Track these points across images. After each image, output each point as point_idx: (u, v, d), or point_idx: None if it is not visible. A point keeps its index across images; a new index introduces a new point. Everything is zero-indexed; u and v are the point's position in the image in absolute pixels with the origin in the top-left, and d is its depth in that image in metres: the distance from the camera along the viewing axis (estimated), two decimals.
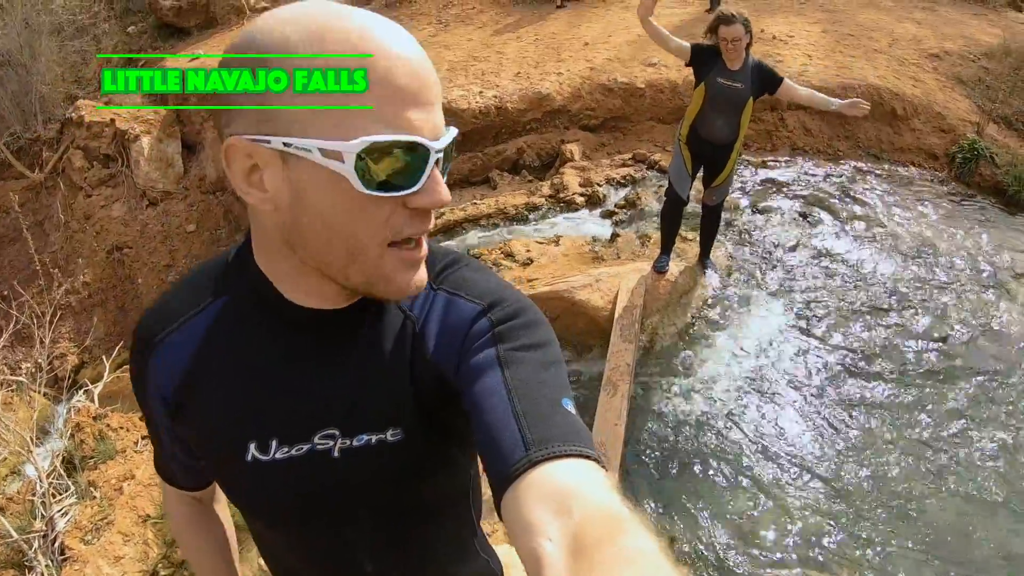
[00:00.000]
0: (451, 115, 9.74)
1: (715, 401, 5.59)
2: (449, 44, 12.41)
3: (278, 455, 1.15)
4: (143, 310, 1.25)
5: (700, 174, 6.18)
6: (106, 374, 6.66)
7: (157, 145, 13.58)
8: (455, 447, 1.26)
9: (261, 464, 1.15)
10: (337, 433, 1.14)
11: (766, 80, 5.56)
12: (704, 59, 5.61)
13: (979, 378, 5.86)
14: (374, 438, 1.15)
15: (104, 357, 10.87)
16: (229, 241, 13.16)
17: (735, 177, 6.41)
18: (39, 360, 6.28)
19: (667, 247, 6.56)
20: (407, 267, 1.03)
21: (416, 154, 0.93)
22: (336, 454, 1.15)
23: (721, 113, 5.70)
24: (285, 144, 0.91)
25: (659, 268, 6.50)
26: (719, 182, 6.10)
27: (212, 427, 1.18)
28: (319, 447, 1.15)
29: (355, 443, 1.15)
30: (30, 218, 13.43)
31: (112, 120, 13.51)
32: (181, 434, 1.25)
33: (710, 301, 6.42)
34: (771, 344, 6.12)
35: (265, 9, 16.53)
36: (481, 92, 10.08)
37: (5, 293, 7.48)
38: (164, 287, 12.50)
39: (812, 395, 5.67)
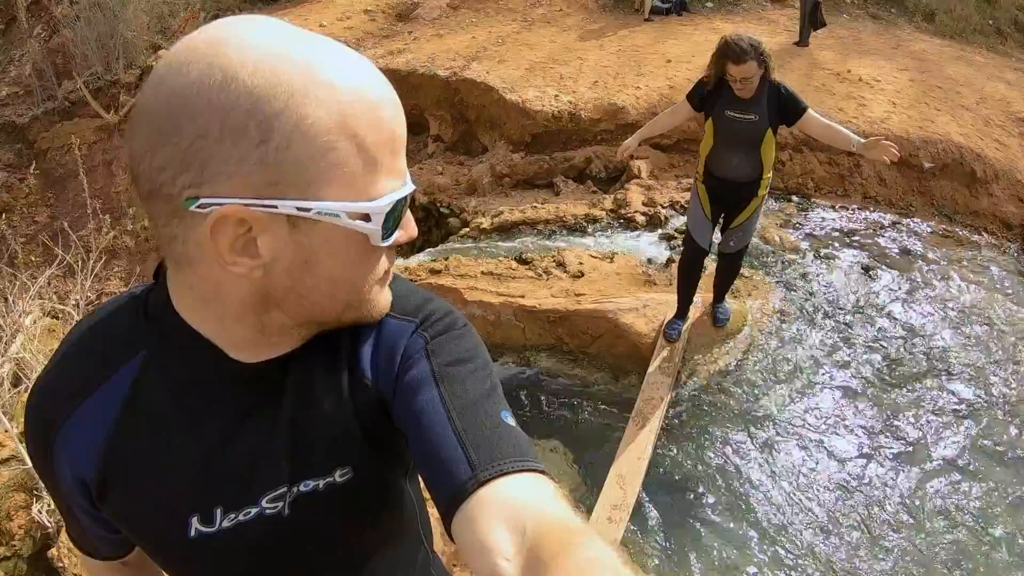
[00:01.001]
0: (524, 115, 9.56)
1: (747, 451, 5.30)
2: (532, 43, 12.21)
3: (224, 523, 1.04)
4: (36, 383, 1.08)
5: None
6: None
7: None
8: (405, 474, 1.21)
9: (206, 536, 1.04)
10: (285, 490, 1.05)
11: (785, 109, 4.79)
12: (707, 95, 4.93)
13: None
14: (322, 483, 1.06)
15: None
16: None
17: (757, 222, 5.50)
18: (87, 294, 6.28)
19: (682, 309, 5.85)
20: (383, 288, 1.03)
21: (406, 197, 0.95)
22: (286, 511, 1.06)
23: (735, 149, 5.00)
24: (301, 209, 0.85)
25: (670, 336, 5.78)
26: (737, 224, 5.32)
27: (146, 506, 1.03)
28: (268, 510, 1.05)
29: (303, 491, 1.06)
30: (99, 157, 13.63)
31: None
32: (105, 514, 1.08)
33: (757, 345, 6.12)
34: (812, 401, 5.80)
35: None
36: (557, 96, 9.86)
37: (63, 227, 7.49)
38: None
39: (847, 461, 5.36)
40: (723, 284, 5.98)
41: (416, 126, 11.76)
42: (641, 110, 9.67)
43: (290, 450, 1.04)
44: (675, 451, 5.25)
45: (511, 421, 0.99)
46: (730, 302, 6.21)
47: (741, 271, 6.39)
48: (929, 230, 8.90)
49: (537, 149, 9.52)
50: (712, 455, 5.23)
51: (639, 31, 13.30)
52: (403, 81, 11.37)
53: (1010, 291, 7.73)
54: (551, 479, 0.93)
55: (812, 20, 12.40)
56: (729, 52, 4.55)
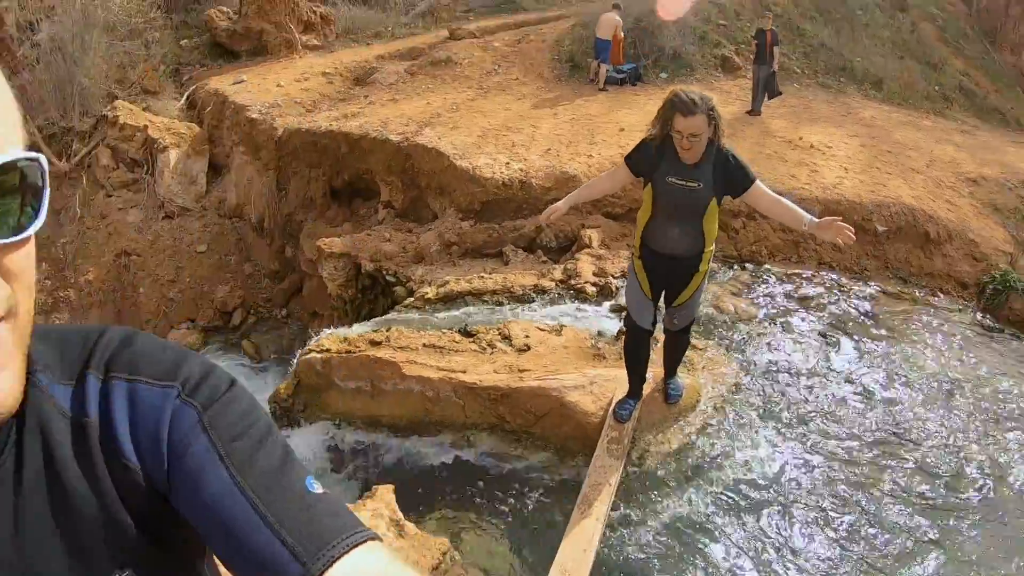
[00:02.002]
0: (474, 183, 9.21)
1: (702, 541, 4.81)
2: (486, 110, 11.97)
3: None
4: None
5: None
6: None
7: (184, 160, 13.34)
8: (202, 557, 1.01)
9: None
10: None
11: (732, 179, 4.29)
12: (649, 157, 4.39)
13: (990, 527, 5.07)
14: None
15: None
16: (237, 270, 12.72)
17: (702, 296, 5.00)
18: None
19: (633, 389, 5.32)
20: None
21: None
22: None
23: (676, 220, 4.44)
24: None
25: (620, 416, 5.22)
26: (680, 302, 4.77)
27: None
28: None
29: None
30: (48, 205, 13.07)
31: (145, 126, 13.32)
32: None
33: (712, 422, 5.68)
34: (771, 484, 5.33)
35: (316, 47, 16.56)
36: (508, 163, 9.55)
37: None
38: (164, 303, 12.11)
39: (808, 547, 4.90)
40: (673, 360, 5.51)
41: (368, 191, 11.41)
42: (592, 177, 9.37)
43: (53, 561, 0.84)
44: (624, 541, 4.76)
45: (317, 487, 0.89)
46: (683, 376, 5.77)
47: (693, 343, 6.00)
48: (885, 293, 8.62)
49: (487, 217, 9.16)
50: (663, 545, 4.73)
51: (593, 100, 13.17)
52: (355, 145, 11.06)
53: (971, 354, 7.46)
54: (380, 540, 0.87)
55: (767, 88, 12.32)
56: (677, 104, 4.10)
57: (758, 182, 4.33)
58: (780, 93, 12.67)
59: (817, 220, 4.13)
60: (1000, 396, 6.66)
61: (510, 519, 5.07)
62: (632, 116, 11.87)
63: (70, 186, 13.26)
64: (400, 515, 4.45)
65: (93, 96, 14.02)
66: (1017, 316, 8.82)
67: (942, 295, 9.09)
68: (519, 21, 17.38)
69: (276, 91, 13.96)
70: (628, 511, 4.90)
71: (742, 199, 4.40)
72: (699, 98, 4.10)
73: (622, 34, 13.97)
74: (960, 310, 8.76)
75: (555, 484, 5.28)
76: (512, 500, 5.20)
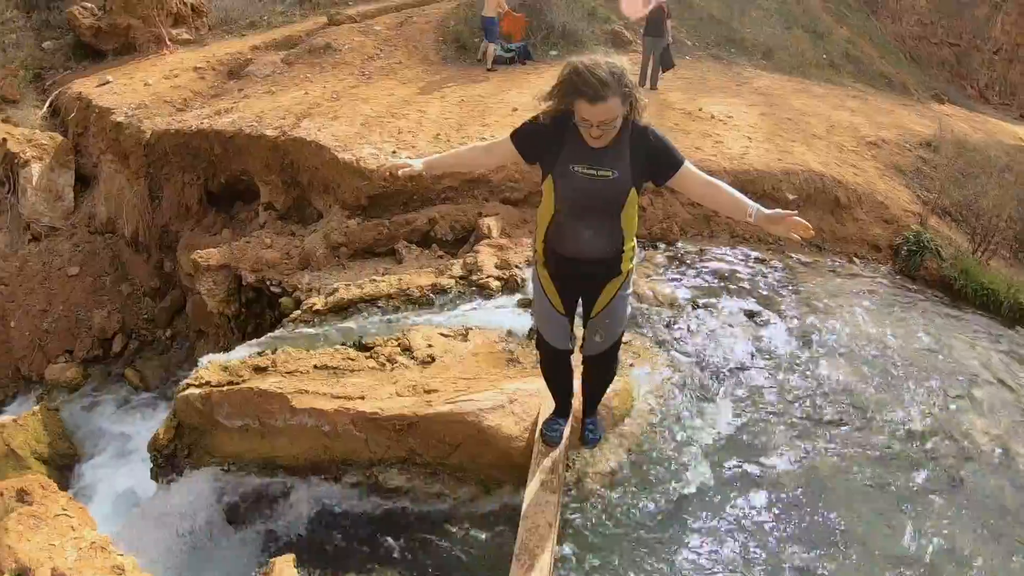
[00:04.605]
0: (359, 176, 8.21)
1: (661, 568, 4.04)
2: (367, 97, 10.95)
3: None
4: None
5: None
6: None
7: (48, 174, 11.83)
8: None
9: None
10: None
11: (655, 161, 3.33)
12: (545, 139, 3.39)
13: (937, 497, 4.77)
14: None
15: None
16: (113, 291, 11.36)
17: (628, 304, 3.86)
18: None
19: (560, 407, 4.40)
20: None
21: None
22: None
23: (586, 218, 3.47)
24: None
25: (549, 439, 4.30)
26: (599, 310, 3.75)
27: None
28: None
29: None
30: None
31: (4, 140, 11.83)
32: None
33: (652, 429, 4.89)
34: (725, 485, 4.62)
35: (188, 41, 15.21)
36: (394, 152, 8.57)
37: None
38: (38, 335, 10.71)
39: (774, 549, 4.19)
40: (594, 393, 4.48)
41: (248, 193, 10.25)
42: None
43: None
44: None
45: None
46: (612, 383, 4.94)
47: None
48: (802, 264, 8.10)
49: (375, 213, 8.14)
50: None
51: (482, 81, 12.33)
52: (228, 144, 9.90)
53: (897, 315, 7.25)
54: None
55: (662, 62, 11.75)
56: (581, 86, 3.05)
57: (687, 163, 3.36)
58: (674, 65, 12.11)
59: (766, 211, 3.23)
60: (929, 357, 6.47)
61: (440, 574, 4.17)
62: (524, 96, 11.05)
63: None
64: None
65: None
66: (932, 275, 8.65)
67: (858, 260, 8.69)
68: (400, 3, 16.28)
69: (143, 91, 12.56)
70: (574, 556, 4.07)
71: (668, 185, 3.39)
72: (608, 74, 3.04)
73: (506, 6, 13.14)
74: (877, 274, 8.37)
75: (485, 523, 4.40)
76: (439, 549, 4.30)
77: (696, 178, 3.36)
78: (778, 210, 3.24)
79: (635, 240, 3.65)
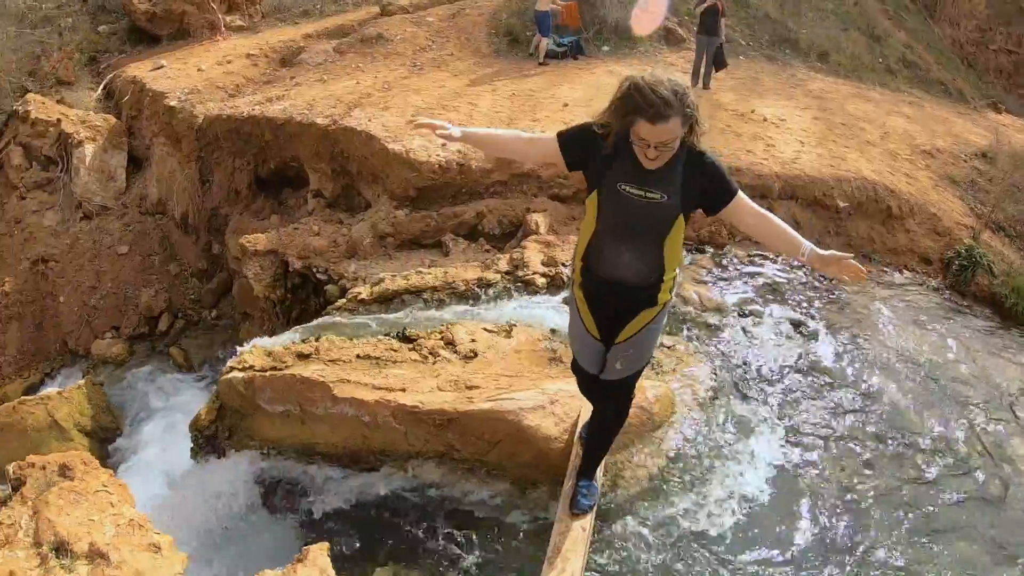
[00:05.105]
0: (408, 167, 8.22)
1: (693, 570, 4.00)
2: (418, 88, 10.94)
3: None
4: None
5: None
6: None
7: (101, 154, 12.05)
8: None
9: None
10: None
11: (709, 191, 3.11)
12: (594, 150, 3.19)
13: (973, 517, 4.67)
14: None
15: None
16: (162, 271, 11.54)
17: (657, 338, 3.63)
18: None
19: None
20: None
21: None
22: None
23: (628, 240, 3.26)
24: None
25: (578, 509, 3.94)
26: (625, 337, 3.46)
27: None
28: None
29: None
30: None
31: (59, 120, 12.05)
32: None
33: (691, 440, 4.83)
34: (759, 491, 4.57)
35: (241, 27, 15.35)
36: (444, 145, 8.55)
37: None
38: (86, 311, 10.93)
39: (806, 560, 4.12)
40: (596, 448, 4.05)
41: (297, 180, 10.33)
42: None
43: None
44: None
45: None
46: (653, 384, 4.88)
47: (662, 339, 5.12)
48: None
49: (423, 204, 8.16)
50: None
51: (534, 75, 12.22)
52: (279, 130, 9.97)
53: (945, 331, 7.10)
54: None
55: (715, 61, 11.57)
56: (643, 105, 2.84)
57: (741, 193, 3.14)
58: (727, 65, 11.93)
59: (821, 252, 3.02)
60: (978, 376, 6.34)
61: (471, 573, 4.17)
62: (576, 92, 10.97)
63: None
64: None
65: (3, 91, 12.83)
66: (983, 292, 8.39)
67: (907, 272, 8.49)
68: None
69: (197, 76, 12.71)
70: (606, 545, 4.04)
71: (720, 216, 3.19)
72: (671, 92, 2.83)
73: (560, 1, 13.09)
74: (926, 287, 8.20)
75: (518, 523, 4.39)
76: (470, 546, 4.31)
77: (749, 209, 3.13)
78: (833, 251, 3.05)
79: (678, 271, 3.42)
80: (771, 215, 3.16)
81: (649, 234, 3.21)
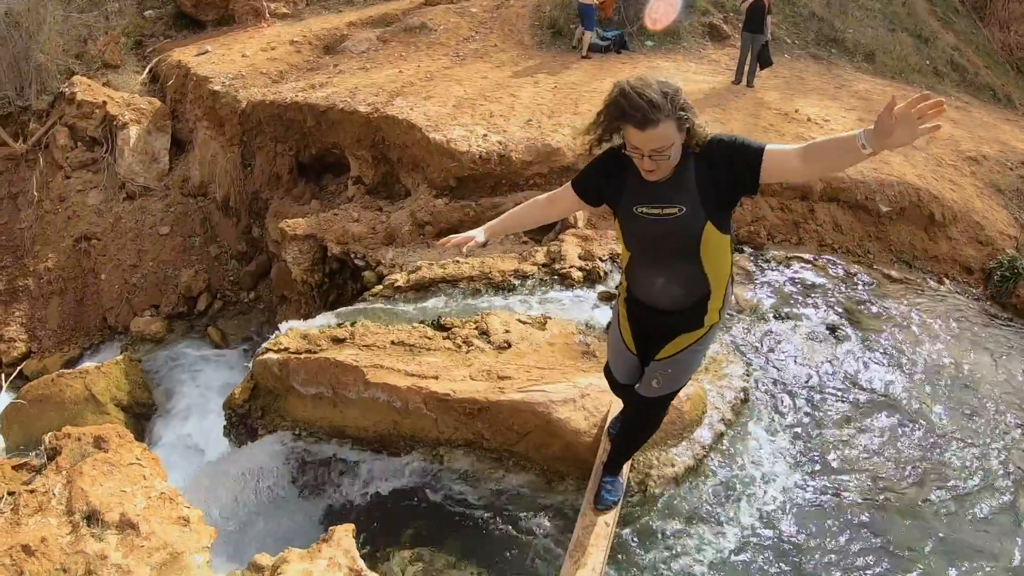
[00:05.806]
0: (449, 156, 8.22)
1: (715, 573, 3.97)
2: (461, 79, 10.93)
3: None
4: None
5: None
6: None
7: (145, 136, 12.31)
8: None
9: None
10: None
11: (735, 168, 2.75)
12: (605, 179, 3.02)
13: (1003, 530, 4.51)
14: None
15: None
16: (202, 251, 11.71)
17: (701, 361, 3.51)
18: None
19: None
20: None
21: None
22: None
23: (658, 263, 3.06)
24: None
25: (602, 504, 3.95)
26: (665, 356, 3.28)
27: None
28: None
29: None
30: (4, 189, 12.16)
31: (104, 102, 12.31)
32: None
33: (721, 441, 4.79)
34: (788, 499, 4.51)
35: (285, 15, 15.47)
36: (485, 135, 8.56)
37: None
38: (127, 289, 11.13)
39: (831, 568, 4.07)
40: (623, 449, 3.99)
41: (338, 166, 10.39)
42: (578, 151, 8.36)
43: None
44: None
45: None
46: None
47: None
48: (890, 279, 7.82)
49: (463, 194, 8.17)
50: None
51: (577, 68, 12.16)
52: (322, 117, 10.03)
53: (984, 343, 6.89)
54: None
55: (760, 59, 11.42)
56: (627, 110, 2.63)
57: (768, 146, 2.71)
58: (772, 63, 11.77)
59: (873, 128, 2.40)
60: (1019, 396, 6.05)
61: (492, 561, 4.17)
62: None
63: (27, 168, 12.29)
64: (361, 564, 3.51)
65: (50, 72, 12.99)
66: None
67: (948, 280, 8.31)
68: None
69: (241, 61, 12.86)
70: (627, 557, 4.02)
71: (764, 180, 2.73)
72: (660, 95, 2.61)
73: None
74: (966, 297, 8.02)
75: (543, 514, 4.38)
76: (495, 535, 4.31)
77: (787, 152, 2.68)
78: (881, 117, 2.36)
79: (728, 288, 3.16)
80: (811, 142, 2.67)
81: (681, 254, 2.97)
